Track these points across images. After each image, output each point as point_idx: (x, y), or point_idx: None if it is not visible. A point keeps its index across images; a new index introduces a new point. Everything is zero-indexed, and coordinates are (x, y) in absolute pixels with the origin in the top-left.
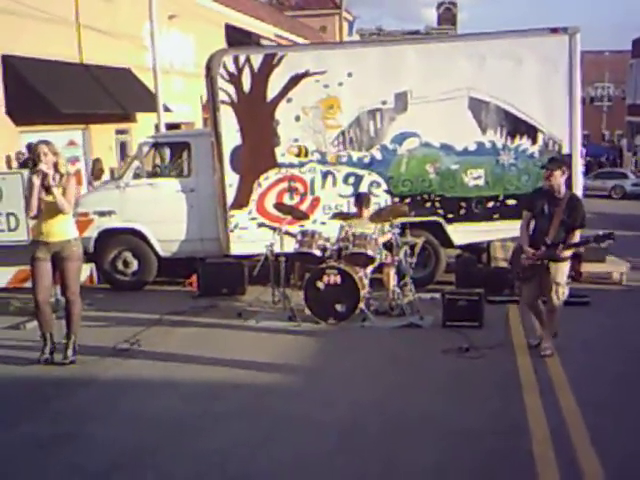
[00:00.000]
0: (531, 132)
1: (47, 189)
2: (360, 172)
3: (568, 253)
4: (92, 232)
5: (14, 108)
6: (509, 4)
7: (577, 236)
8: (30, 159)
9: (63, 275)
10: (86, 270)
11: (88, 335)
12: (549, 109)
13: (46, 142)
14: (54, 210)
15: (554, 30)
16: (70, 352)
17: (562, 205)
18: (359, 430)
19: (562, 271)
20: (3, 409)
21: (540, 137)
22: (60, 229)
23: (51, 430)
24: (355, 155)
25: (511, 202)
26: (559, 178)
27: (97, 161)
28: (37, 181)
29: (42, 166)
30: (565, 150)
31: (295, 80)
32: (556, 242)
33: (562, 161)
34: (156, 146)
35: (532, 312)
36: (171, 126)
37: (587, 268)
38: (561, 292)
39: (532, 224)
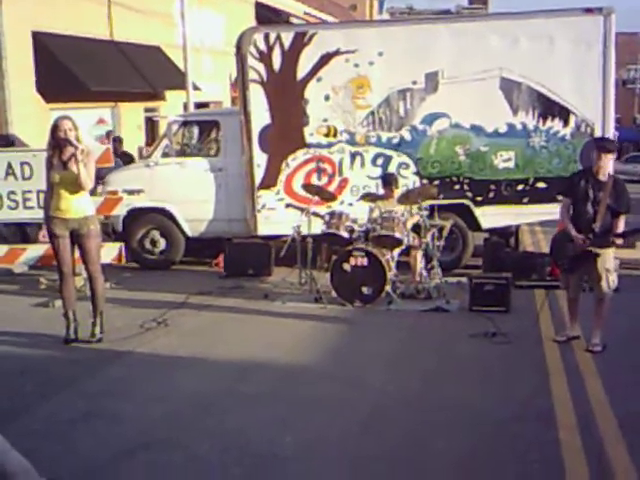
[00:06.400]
0: (563, 114)
1: (65, 164)
2: (389, 153)
3: (620, 241)
4: (121, 210)
5: (45, 85)
6: None
7: (622, 221)
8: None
9: (84, 253)
10: (115, 249)
11: (116, 314)
12: (582, 91)
13: (68, 117)
14: (74, 186)
15: (588, 10)
16: (98, 329)
17: (607, 189)
18: (384, 413)
19: (611, 257)
20: (33, 386)
21: (572, 119)
22: (79, 206)
23: (80, 407)
24: (384, 136)
25: (541, 185)
26: (611, 161)
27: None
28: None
29: (74, 141)
30: (597, 133)
31: (325, 59)
32: (604, 229)
33: (615, 144)
34: (185, 125)
35: (572, 305)
36: (200, 105)
37: (617, 255)
38: (611, 279)
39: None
